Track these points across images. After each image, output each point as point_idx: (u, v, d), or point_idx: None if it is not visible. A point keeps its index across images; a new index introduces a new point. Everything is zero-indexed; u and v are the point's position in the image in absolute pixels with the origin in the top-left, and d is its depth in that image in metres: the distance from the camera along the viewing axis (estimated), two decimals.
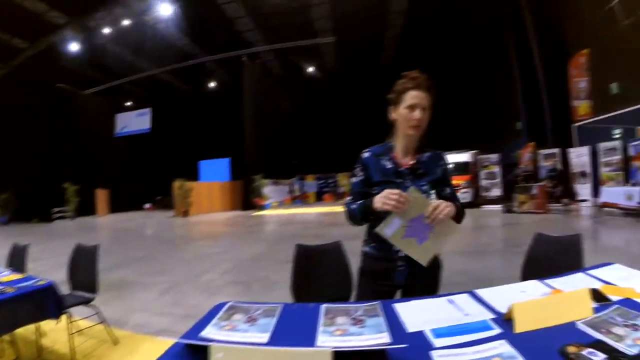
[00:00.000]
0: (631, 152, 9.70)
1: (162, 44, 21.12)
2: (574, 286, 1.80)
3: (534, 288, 1.85)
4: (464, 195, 15.43)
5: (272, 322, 1.44)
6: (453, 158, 17.42)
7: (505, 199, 13.28)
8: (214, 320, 1.47)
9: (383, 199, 1.70)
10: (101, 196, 21.36)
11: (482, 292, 1.80)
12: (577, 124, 10.83)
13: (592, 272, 2.02)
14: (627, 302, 1.60)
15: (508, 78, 21.04)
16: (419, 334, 1.43)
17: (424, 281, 1.98)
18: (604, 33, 14.09)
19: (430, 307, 1.69)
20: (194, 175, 24.62)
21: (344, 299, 2.44)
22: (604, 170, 10.70)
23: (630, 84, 11.60)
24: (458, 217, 1.86)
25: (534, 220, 9.96)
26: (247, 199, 21.32)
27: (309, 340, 1.32)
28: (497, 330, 1.45)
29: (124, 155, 24.17)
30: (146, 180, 25.30)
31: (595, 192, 10.44)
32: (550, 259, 2.51)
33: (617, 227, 8.22)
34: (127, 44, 20.70)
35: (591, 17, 15.21)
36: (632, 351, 1.23)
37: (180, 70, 24.11)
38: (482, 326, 1.49)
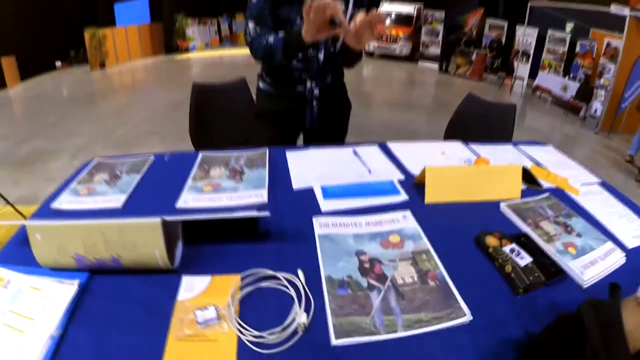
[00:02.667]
0: (578, 48, 9.51)
1: None
2: (501, 158, 1.51)
3: (456, 150, 1.51)
4: (403, 48, 14.83)
5: (135, 179, 1.18)
6: (396, 8, 16.25)
7: (442, 59, 12.94)
8: (73, 185, 1.16)
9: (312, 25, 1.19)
10: (7, 65, 15.84)
11: (394, 147, 1.41)
12: (532, 4, 10.01)
13: (523, 147, 1.70)
14: (559, 193, 1.31)
15: None
16: (306, 193, 1.10)
17: (331, 124, 1.63)
18: None
19: (329, 157, 1.33)
20: (110, 21, 19.65)
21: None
22: (547, 57, 10.55)
23: None
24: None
25: (468, 85, 9.90)
26: (170, 42, 18.09)
27: (170, 199, 1.07)
28: (402, 197, 1.07)
29: (25, 11, 17.46)
30: (55, 35, 19.05)
31: (533, 75, 10.44)
32: (479, 123, 2.19)
33: (546, 113, 8.46)
34: None
35: None
36: (561, 259, 0.93)
37: None
38: (386, 189, 1.11)
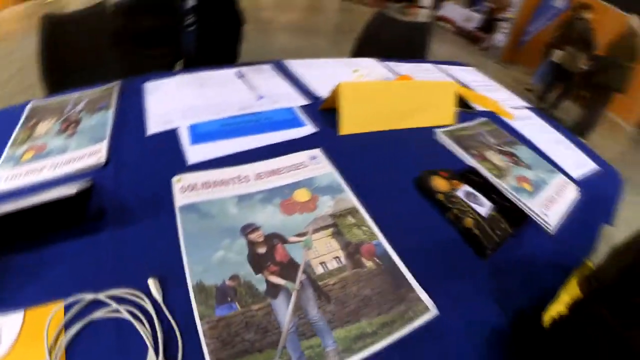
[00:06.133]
0: None
1: None
2: (423, 78, 1.32)
3: (372, 68, 1.28)
4: None
5: None
6: None
7: None
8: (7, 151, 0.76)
9: None
10: None
11: (294, 65, 1.11)
12: None
13: (444, 67, 1.52)
14: (494, 118, 1.16)
15: None
16: (166, 138, 0.75)
17: (216, 46, 1.32)
18: None
19: (203, 83, 0.96)
20: None
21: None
22: None
23: None
24: None
25: (371, 12, 10.00)
26: None
27: None
28: (308, 129, 0.78)
29: None
30: None
31: (436, 5, 11.04)
32: (390, 42, 1.99)
33: (448, 41, 9.05)
34: None
35: None
36: (519, 199, 0.76)
37: None
38: (284, 119, 0.81)
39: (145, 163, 0.68)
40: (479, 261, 0.60)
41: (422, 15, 10.09)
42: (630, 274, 0.48)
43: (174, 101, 0.86)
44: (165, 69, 1.27)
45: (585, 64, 4.16)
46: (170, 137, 0.74)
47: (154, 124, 0.78)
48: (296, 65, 1.12)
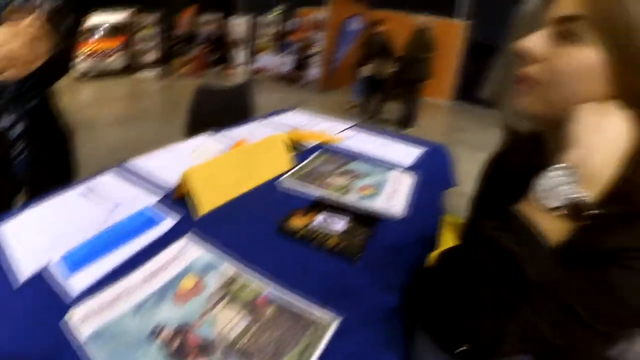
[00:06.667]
0: (288, 28, 11.45)
1: None
2: (258, 136, 1.45)
3: (207, 145, 1.39)
4: (118, 61, 14.50)
5: None
6: (106, 18, 15.83)
7: (163, 63, 13.03)
8: None
9: None
10: None
11: (134, 165, 1.17)
12: None
13: (271, 119, 1.72)
14: (324, 148, 1.39)
15: None
16: (41, 276, 0.71)
17: (52, 165, 1.30)
18: None
19: (55, 212, 0.94)
20: None
21: None
22: (261, 41, 12.30)
23: None
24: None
25: (192, 83, 10.19)
26: None
27: None
28: (169, 221, 0.86)
29: None
30: None
31: (250, 60, 11.91)
32: (218, 112, 2.15)
33: (269, 89, 9.69)
34: None
35: None
36: (366, 204, 0.96)
37: None
38: (142, 221, 0.86)
39: (29, 312, 0.63)
40: (356, 266, 0.74)
41: (239, 73, 10.72)
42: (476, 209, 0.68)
43: (34, 238, 0.81)
44: (6, 204, 1.21)
45: (392, 67, 4.90)
46: (45, 275, 0.70)
47: (24, 268, 0.72)
48: (137, 164, 1.17)
